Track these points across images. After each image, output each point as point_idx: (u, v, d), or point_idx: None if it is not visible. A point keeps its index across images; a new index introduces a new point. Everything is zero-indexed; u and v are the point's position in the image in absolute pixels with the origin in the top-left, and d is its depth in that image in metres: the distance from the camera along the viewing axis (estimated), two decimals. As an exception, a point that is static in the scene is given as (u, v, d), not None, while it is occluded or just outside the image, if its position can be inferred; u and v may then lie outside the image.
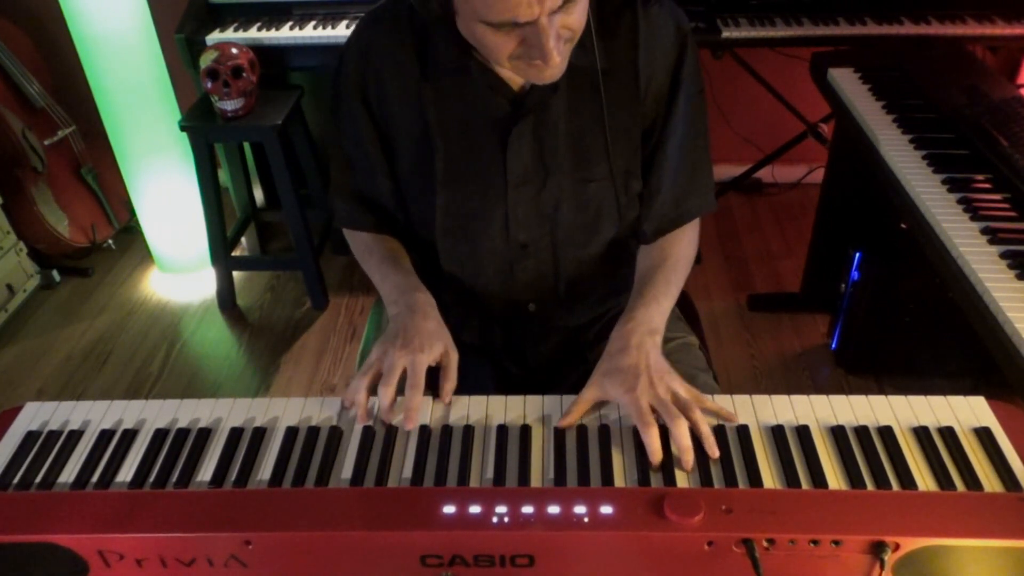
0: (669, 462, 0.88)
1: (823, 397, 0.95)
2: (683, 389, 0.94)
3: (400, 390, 0.95)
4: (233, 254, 2.65)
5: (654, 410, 0.91)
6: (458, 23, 0.93)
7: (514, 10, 0.84)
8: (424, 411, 0.95)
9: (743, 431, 0.91)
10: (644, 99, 1.07)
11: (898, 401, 0.94)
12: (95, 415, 0.97)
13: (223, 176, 2.71)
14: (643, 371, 0.95)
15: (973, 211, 1.38)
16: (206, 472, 0.89)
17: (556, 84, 1.02)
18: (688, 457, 0.87)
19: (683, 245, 1.15)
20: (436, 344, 0.99)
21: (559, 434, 0.91)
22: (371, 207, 1.18)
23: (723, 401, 0.96)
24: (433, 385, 0.99)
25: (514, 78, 1.04)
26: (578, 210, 1.10)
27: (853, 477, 0.84)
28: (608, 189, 1.10)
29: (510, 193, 1.08)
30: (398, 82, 1.07)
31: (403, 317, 1.02)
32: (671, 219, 1.15)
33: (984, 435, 0.90)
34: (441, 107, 1.06)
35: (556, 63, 0.91)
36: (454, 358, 1.00)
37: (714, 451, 0.87)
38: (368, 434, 0.93)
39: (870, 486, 0.83)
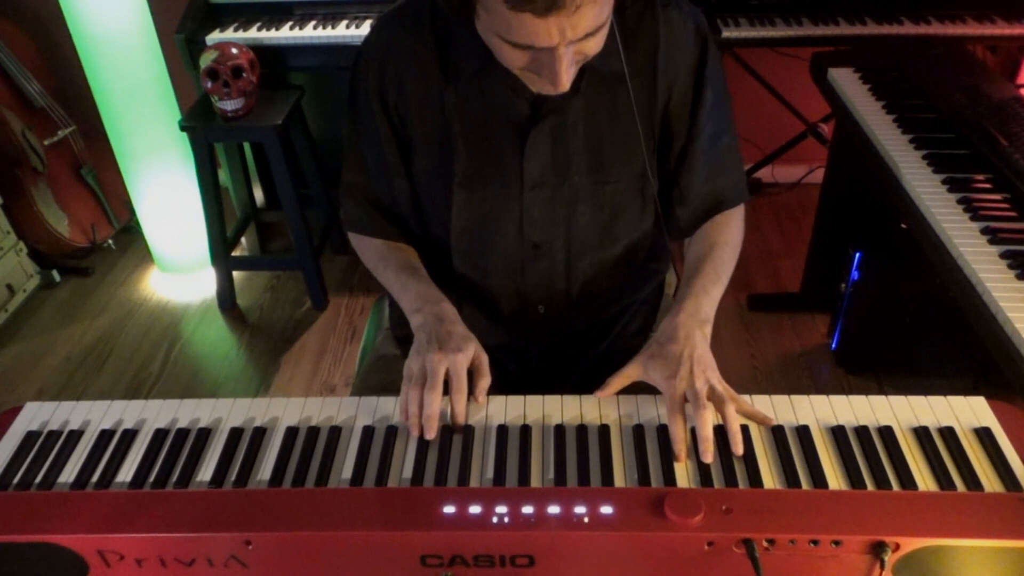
0: (669, 462, 0.88)
1: (823, 397, 0.95)
2: (721, 386, 0.95)
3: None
4: (233, 254, 2.65)
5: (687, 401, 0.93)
6: (477, 24, 0.93)
7: (534, 38, 0.84)
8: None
9: (743, 431, 0.91)
10: (667, 102, 1.07)
11: (898, 401, 0.94)
12: (95, 415, 0.97)
13: (223, 176, 2.71)
14: (686, 361, 0.96)
15: (973, 211, 1.38)
16: (206, 472, 0.89)
17: (576, 86, 1.02)
18: (707, 447, 0.88)
19: (729, 231, 1.16)
20: (469, 345, 0.99)
21: (559, 434, 0.91)
22: (383, 211, 1.17)
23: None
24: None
25: None
26: (593, 213, 1.11)
27: (853, 477, 0.84)
28: (624, 192, 1.10)
29: (526, 194, 1.08)
30: (418, 82, 1.07)
31: (431, 325, 1.02)
32: (706, 211, 1.16)
33: (984, 435, 0.90)
34: (462, 108, 1.06)
35: (565, 88, 0.91)
36: (485, 359, 1.00)
37: (738, 448, 0.88)
38: (368, 434, 0.93)
39: (870, 486, 0.83)
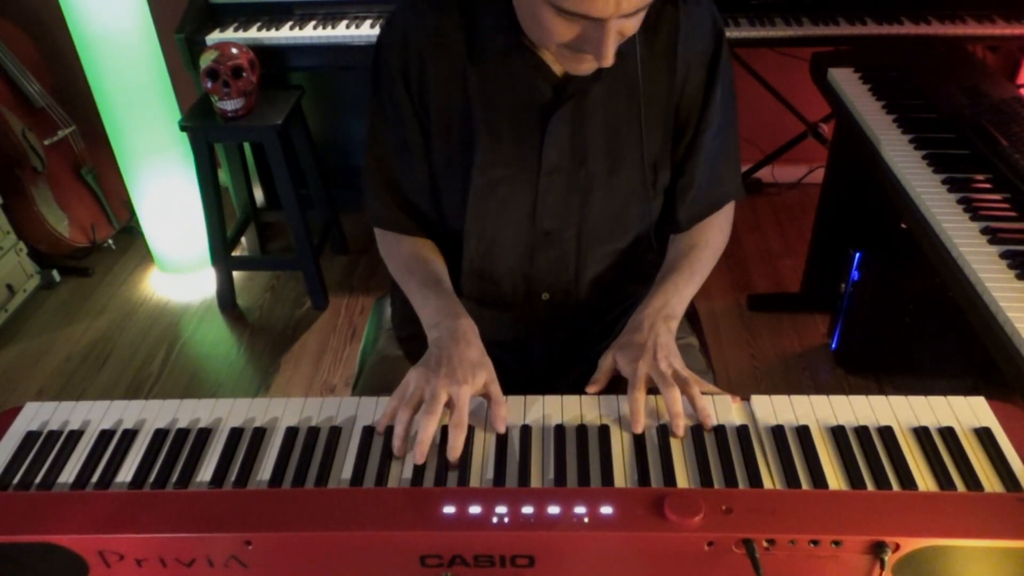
0: (669, 462, 0.88)
1: (823, 397, 0.95)
2: (683, 369, 0.98)
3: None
4: (233, 254, 2.65)
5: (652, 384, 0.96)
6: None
7: (591, 5, 0.84)
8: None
9: (743, 431, 0.91)
10: (680, 91, 1.09)
11: (898, 401, 0.94)
12: (95, 415, 0.97)
13: (223, 176, 2.71)
14: (650, 348, 1.00)
15: (973, 211, 1.38)
16: (206, 472, 0.89)
17: (599, 72, 1.01)
18: (679, 423, 0.91)
19: (712, 232, 1.19)
20: (480, 374, 0.96)
21: (559, 434, 0.91)
22: (401, 201, 1.16)
23: (723, 402, 0.96)
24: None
25: (557, 63, 1.04)
26: (606, 200, 1.11)
27: (853, 477, 0.84)
28: (637, 180, 1.11)
29: (542, 179, 1.08)
30: (441, 64, 1.06)
31: (444, 343, 0.99)
32: (705, 206, 1.18)
33: (984, 435, 0.90)
34: (485, 90, 1.05)
35: (610, 62, 0.91)
36: (497, 388, 0.97)
37: (709, 422, 0.91)
38: (368, 434, 0.93)
39: (870, 486, 0.83)
